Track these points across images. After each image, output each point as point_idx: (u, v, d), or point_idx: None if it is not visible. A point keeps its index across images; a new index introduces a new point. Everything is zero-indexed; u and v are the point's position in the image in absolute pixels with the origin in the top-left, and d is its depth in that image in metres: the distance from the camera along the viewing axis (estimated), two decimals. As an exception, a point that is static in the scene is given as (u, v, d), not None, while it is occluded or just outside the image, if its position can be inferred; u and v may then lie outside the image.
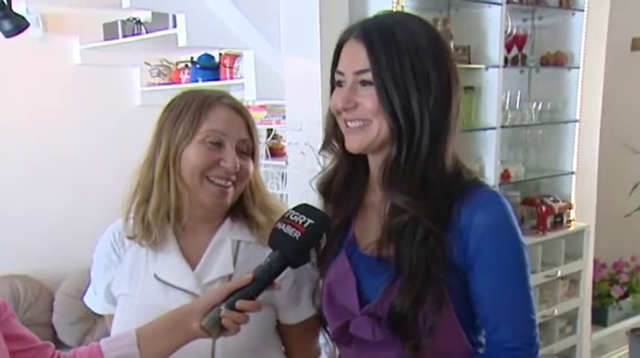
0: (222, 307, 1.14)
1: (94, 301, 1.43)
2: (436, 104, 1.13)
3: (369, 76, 1.12)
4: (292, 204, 2.78)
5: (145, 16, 3.48)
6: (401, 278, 1.12)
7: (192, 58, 3.62)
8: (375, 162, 1.21)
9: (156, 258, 1.34)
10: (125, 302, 1.35)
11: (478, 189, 1.16)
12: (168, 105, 1.35)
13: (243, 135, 1.31)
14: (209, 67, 3.50)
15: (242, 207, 1.36)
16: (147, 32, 3.38)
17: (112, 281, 1.37)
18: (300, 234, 1.14)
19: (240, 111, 1.32)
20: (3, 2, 3.05)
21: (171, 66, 3.83)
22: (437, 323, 1.11)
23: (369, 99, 1.13)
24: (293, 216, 1.16)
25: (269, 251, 1.21)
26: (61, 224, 3.56)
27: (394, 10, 2.81)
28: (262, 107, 3.43)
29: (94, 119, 3.76)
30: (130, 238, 1.35)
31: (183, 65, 3.73)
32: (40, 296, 3.42)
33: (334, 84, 1.20)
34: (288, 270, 1.29)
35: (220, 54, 3.49)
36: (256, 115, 3.49)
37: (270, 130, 3.36)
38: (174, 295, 1.30)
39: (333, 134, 1.24)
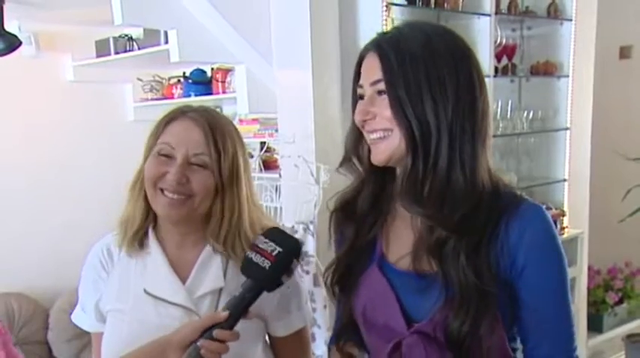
0: (198, 343, 1.13)
1: (83, 319, 1.41)
2: (455, 111, 1.09)
3: (383, 86, 1.11)
4: (287, 217, 2.80)
5: (136, 32, 3.50)
6: (453, 295, 1.09)
7: (184, 73, 3.64)
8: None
9: (145, 273, 1.33)
10: (115, 318, 1.34)
11: (524, 204, 1.14)
12: None
13: (197, 149, 1.27)
14: (201, 82, 3.52)
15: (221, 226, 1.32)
16: (139, 48, 3.40)
17: (100, 297, 1.37)
18: (269, 263, 1.13)
19: (202, 125, 1.28)
20: (-5, 21, 3.07)
21: (164, 81, 3.85)
22: (493, 344, 1.11)
23: (385, 108, 1.11)
24: (262, 244, 1.15)
25: None
26: (56, 241, 3.55)
27: (385, 21, 2.84)
28: (255, 120, 3.45)
29: (88, 135, 3.76)
30: (121, 248, 1.36)
31: (175, 80, 3.75)
32: (35, 314, 3.40)
33: (356, 99, 1.19)
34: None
35: (212, 68, 3.51)
36: (249, 129, 3.51)
37: (263, 143, 3.38)
38: (165, 309, 1.30)
39: (354, 151, 1.22)
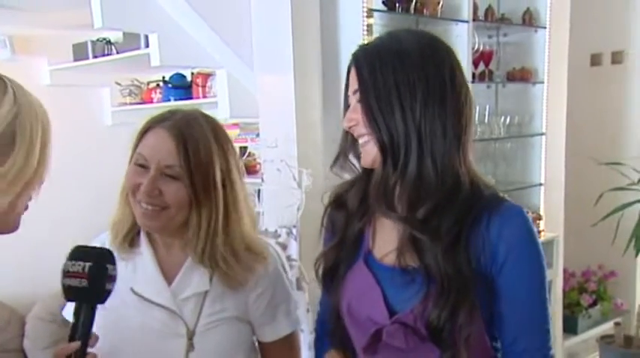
0: None
1: None
2: (424, 113, 1.13)
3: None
4: (269, 222, 2.80)
5: (115, 36, 3.46)
6: (434, 288, 1.14)
7: (163, 77, 3.61)
8: None
9: (135, 272, 1.34)
10: (101, 317, 1.30)
11: (504, 204, 1.19)
12: None
13: (168, 161, 1.25)
14: (181, 87, 3.50)
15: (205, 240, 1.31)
16: (117, 52, 3.37)
17: None
18: (86, 281, 1.13)
19: (175, 135, 1.26)
20: (-31, 24, 3.02)
21: (142, 85, 3.82)
22: (472, 333, 1.14)
23: (363, 116, 1.16)
24: (72, 267, 1.14)
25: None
26: (33, 246, 3.49)
27: (366, 27, 2.87)
28: (235, 125, 3.45)
29: (65, 140, 3.66)
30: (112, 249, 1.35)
31: (154, 84, 3.73)
32: (11, 322, 3.34)
33: (347, 106, 1.24)
34: (264, 288, 1.36)
35: (192, 73, 3.50)
36: (229, 133, 3.50)
37: (243, 148, 3.38)
38: (149, 310, 1.30)
39: (350, 149, 1.26)
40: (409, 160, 1.14)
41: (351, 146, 1.25)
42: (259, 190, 2.95)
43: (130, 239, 1.36)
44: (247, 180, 3.05)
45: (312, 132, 2.89)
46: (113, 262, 1.17)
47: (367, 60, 1.17)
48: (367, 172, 1.24)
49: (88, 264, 1.13)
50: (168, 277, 1.33)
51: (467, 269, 1.14)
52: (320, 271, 1.32)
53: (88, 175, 3.41)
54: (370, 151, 1.17)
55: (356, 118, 1.18)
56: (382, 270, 1.22)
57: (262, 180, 2.88)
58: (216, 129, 1.32)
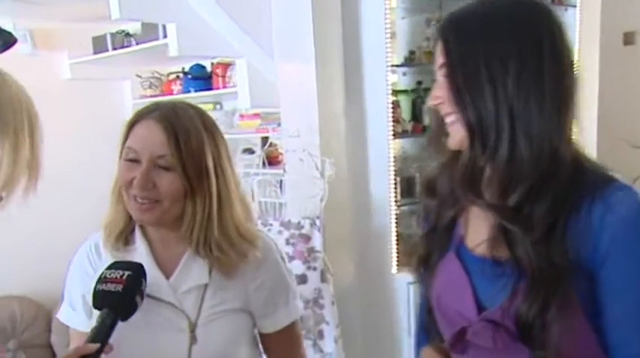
0: None
1: (73, 317, 1.37)
2: (517, 84, 1.01)
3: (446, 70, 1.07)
4: (292, 213, 2.75)
5: (134, 28, 3.43)
6: (524, 281, 1.02)
7: (183, 68, 3.57)
8: None
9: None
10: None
11: (611, 184, 1.04)
12: None
13: (159, 152, 1.22)
14: (201, 77, 3.46)
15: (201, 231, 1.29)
16: (137, 44, 3.33)
17: (87, 292, 1.31)
18: (122, 286, 1.16)
19: (164, 125, 1.23)
20: (-10, 19, 3.01)
21: (163, 77, 3.79)
22: (566, 330, 1.02)
23: (449, 93, 1.06)
24: (110, 275, 1.18)
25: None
26: (59, 242, 3.49)
27: (388, 11, 2.78)
28: (256, 115, 3.39)
29: (86, 134, 3.70)
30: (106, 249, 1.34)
31: (174, 76, 3.69)
32: (38, 317, 3.35)
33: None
34: (263, 279, 1.32)
35: (212, 63, 3.45)
36: (250, 124, 3.46)
37: (265, 139, 3.32)
38: (148, 304, 1.27)
39: (441, 129, 1.14)
40: (500, 142, 1.02)
41: (441, 125, 1.13)
42: (281, 181, 2.90)
43: (124, 237, 1.33)
44: (269, 170, 3.04)
45: (334, 121, 2.83)
46: (146, 279, 1.21)
47: (454, 30, 1.06)
48: (457, 155, 1.13)
49: (127, 272, 1.18)
50: (166, 271, 1.31)
51: (562, 261, 1.00)
52: (413, 263, 1.25)
53: (110, 169, 3.39)
54: (457, 132, 1.06)
55: (442, 96, 1.07)
56: (473, 261, 1.13)
57: (284, 170, 2.83)
58: (204, 118, 1.30)
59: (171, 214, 1.25)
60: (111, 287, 1.16)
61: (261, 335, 1.39)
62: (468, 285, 1.10)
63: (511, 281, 1.04)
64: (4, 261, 3.33)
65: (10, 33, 3.14)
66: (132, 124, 1.26)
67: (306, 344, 2.60)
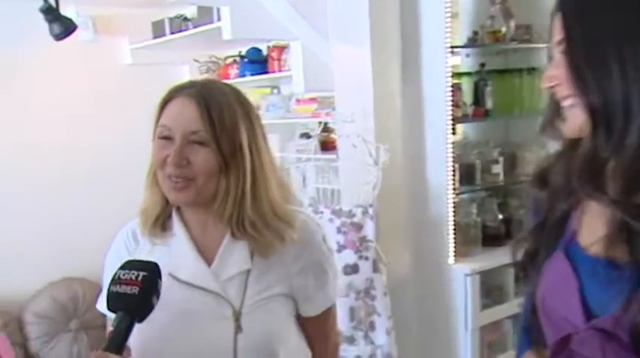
0: None
1: None
2: None
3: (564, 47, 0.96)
4: (345, 200, 2.67)
5: (191, 12, 3.42)
6: None
7: (240, 52, 3.54)
8: None
9: (170, 256, 1.29)
10: None
11: None
12: None
13: (193, 127, 1.20)
14: (257, 61, 3.42)
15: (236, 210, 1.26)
16: (194, 27, 3.32)
17: None
18: (138, 288, 1.12)
19: (197, 100, 1.21)
20: (52, 6, 3.06)
21: (220, 61, 3.77)
22: None
23: (567, 72, 0.95)
24: (124, 275, 1.13)
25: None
26: (118, 225, 3.56)
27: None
28: (313, 99, 3.32)
29: (147, 118, 3.73)
30: (143, 236, 1.33)
31: (231, 60, 3.67)
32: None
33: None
34: (306, 262, 1.30)
35: (268, 46, 3.40)
36: (307, 108, 3.40)
37: (322, 123, 3.25)
38: (191, 294, 1.26)
39: (557, 114, 1.04)
40: (629, 129, 0.90)
41: (557, 110, 1.02)
42: (337, 167, 2.83)
43: (162, 223, 1.31)
44: (324, 156, 2.97)
45: (390, 106, 2.72)
46: (161, 278, 1.16)
47: (575, 1, 0.96)
48: (575, 143, 1.02)
49: (142, 273, 1.13)
50: (207, 257, 1.28)
51: None
52: (518, 258, 1.15)
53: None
54: (576, 117, 0.96)
55: (559, 76, 0.96)
56: (584, 261, 1.02)
57: (337, 156, 2.75)
58: (239, 96, 1.28)
59: (206, 192, 1.23)
60: (126, 289, 1.11)
61: (301, 318, 1.37)
62: (577, 288, 1.00)
63: (628, 287, 0.92)
64: (67, 244, 3.42)
65: (70, 19, 3.19)
66: (165, 102, 1.25)
67: (357, 336, 2.53)
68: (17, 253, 3.32)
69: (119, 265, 1.28)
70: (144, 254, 1.30)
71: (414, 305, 2.79)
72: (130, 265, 1.15)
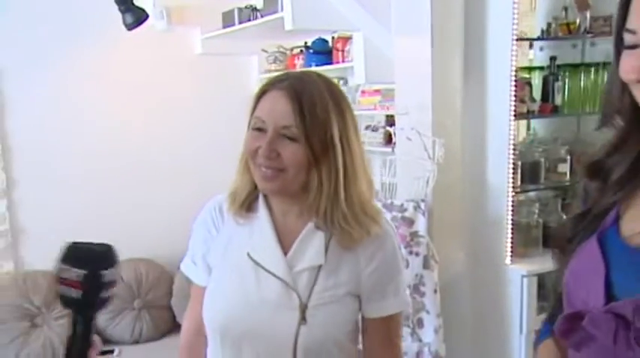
0: None
1: (193, 271, 1.42)
2: None
3: None
4: (400, 194, 2.62)
5: (260, 2, 3.46)
6: None
7: (305, 42, 3.55)
8: None
9: (251, 236, 1.35)
10: (219, 275, 1.37)
11: None
12: None
13: (284, 122, 1.24)
14: (322, 52, 3.41)
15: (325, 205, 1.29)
16: (262, 17, 3.35)
17: (207, 252, 1.39)
18: (80, 292, 1.01)
19: (290, 95, 1.24)
20: (126, -4, 3.18)
21: (287, 52, 3.79)
22: None
23: None
24: (64, 273, 1.01)
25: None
26: (182, 208, 3.66)
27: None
28: (377, 92, 3.29)
29: (215, 107, 3.82)
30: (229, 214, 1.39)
31: (298, 51, 3.68)
32: (161, 280, 3.53)
33: (621, 48, 0.96)
34: (378, 263, 1.32)
35: (333, 37, 3.39)
36: (371, 100, 3.37)
37: (388, 116, 3.21)
38: (264, 278, 1.30)
39: (620, 103, 1.00)
40: None
41: (622, 100, 0.98)
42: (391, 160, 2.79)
43: (248, 204, 1.36)
44: (380, 149, 2.93)
45: (450, 100, 2.65)
46: (112, 263, 1.04)
47: None
48: (627, 138, 1.00)
49: (82, 272, 1.01)
50: (284, 244, 1.33)
51: None
52: (553, 243, 1.14)
53: (236, 142, 3.47)
54: None
55: None
56: (621, 250, 0.99)
57: (392, 150, 2.71)
58: (331, 88, 1.30)
59: (295, 184, 1.27)
60: (69, 292, 1.01)
61: (363, 318, 1.38)
62: (603, 273, 0.96)
63: None
64: (133, 226, 3.55)
65: (142, 9, 3.30)
66: (261, 94, 1.29)
67: (405, 332, 2.49)
68: (90, 235, 3.48)
69: (204, 236, 1.39)
70: (228, 229, 1.37)
71: (466, 304, 2.72)
72: (69, 256, 1.03)
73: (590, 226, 1.05)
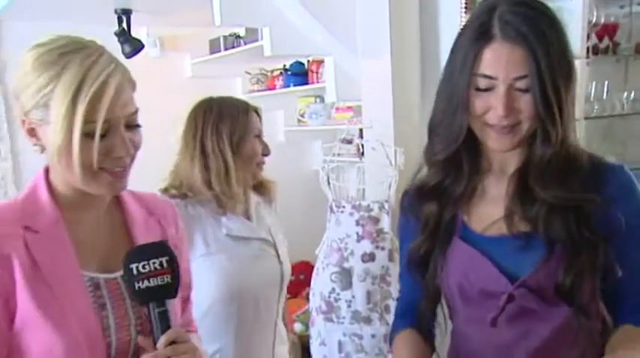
0: None
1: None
2: (565, 90, 1.13)
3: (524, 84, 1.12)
4: (369, 197, 2.97)
5: (243, 31, 3.84)
6: (559, 251, 1.14)
7: (284, 65, 3.92)
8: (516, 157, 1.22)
9: (220, 221, 1.86)
10: (207, 261, 1.81)
11: (610, 164, 1.22)
12: None
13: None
14: (299, 73, 3.78)
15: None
16: (245, 44, 3.73)
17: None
18: (169, 276, 1.09)
19: None
20: (124, 30, 3.56)
21: (268, 74, 4.17)
22: (591, 289, 1.16)
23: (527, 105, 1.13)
24: (144, 268, 1.08)
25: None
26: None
27: (465, 8, 2.92)
28: (349, 108, 3.66)
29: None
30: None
31: (277, 72, 4.06)
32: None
33: None
34: None
35: (308, 61, 3.76)
36: (344, 115, 3.74)
37: (361, 130, 3.58)
38: (252, 244, 1.84)
39: (460, 131, 1.25)
40: (558, 138, 1.16)
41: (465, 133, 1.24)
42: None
43: None
44: (352, 159, 3.29)
45: (409, 113, 3.02)
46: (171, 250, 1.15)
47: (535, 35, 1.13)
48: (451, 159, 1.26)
49: (164, 259, 1.09)
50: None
51: (589, 229, 1.14)
52: (413, 263, 1.33)
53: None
54: (516, 135, 1.18)
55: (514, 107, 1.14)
56: (488, 242, 1.21)
57: (360, 158, 3.07)
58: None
59: None
60: (157, 281, 1.07)
61: None
62: (490, 264, 1.19)
63: (541, 250, 1.15)
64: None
65: (139, 40, 3.68)
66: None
67: (374, 317, 2.83)
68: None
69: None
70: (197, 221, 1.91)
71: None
72: (141, 253, 1.11)
73: (445, 236, 1.26)
